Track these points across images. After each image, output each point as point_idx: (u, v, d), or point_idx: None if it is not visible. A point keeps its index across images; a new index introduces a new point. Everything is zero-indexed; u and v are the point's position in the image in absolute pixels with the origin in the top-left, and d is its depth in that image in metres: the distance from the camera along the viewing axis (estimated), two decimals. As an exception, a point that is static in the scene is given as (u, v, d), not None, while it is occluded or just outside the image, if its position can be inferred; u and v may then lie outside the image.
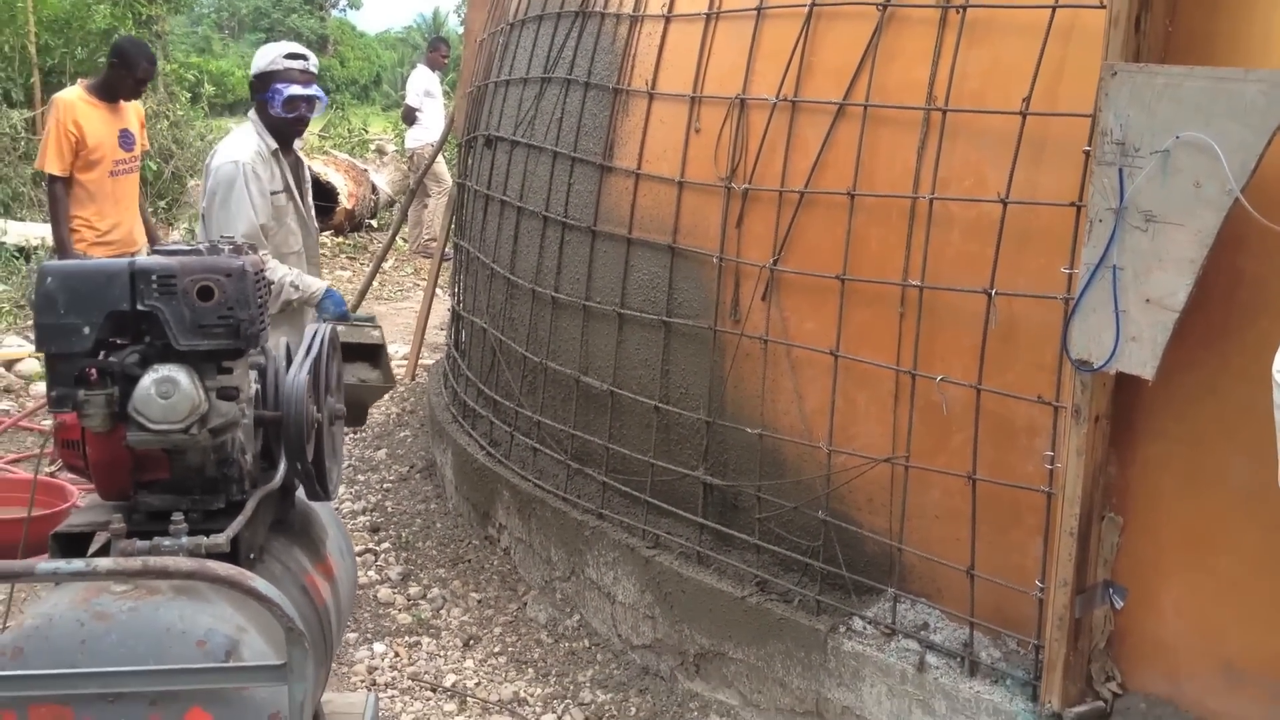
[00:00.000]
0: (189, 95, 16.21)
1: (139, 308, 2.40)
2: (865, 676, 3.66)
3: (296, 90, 4.65)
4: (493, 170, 5.96)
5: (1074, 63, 3.28)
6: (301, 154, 5.05)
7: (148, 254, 2.52)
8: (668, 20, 4.58)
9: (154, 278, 2.40)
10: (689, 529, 4.41)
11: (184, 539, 2.40)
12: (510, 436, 5.48)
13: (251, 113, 4.80)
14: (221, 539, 2.41)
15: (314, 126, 19.85)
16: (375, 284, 10.64)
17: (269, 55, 4.75)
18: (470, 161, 6.70)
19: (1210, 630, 3.14)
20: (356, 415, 4.65)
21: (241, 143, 4.69)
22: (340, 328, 4.03)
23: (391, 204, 15.09)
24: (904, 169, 3.64)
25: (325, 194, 13.61)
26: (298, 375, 2.69)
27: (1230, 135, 2.74)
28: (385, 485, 6.35)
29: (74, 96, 6.66)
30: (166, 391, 2.38)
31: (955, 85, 3.53)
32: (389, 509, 6.02)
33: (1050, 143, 3.32)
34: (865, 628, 3.77)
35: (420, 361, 8.35)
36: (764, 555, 4.11)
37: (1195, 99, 2.80)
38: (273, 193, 4.67)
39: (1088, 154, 3.13)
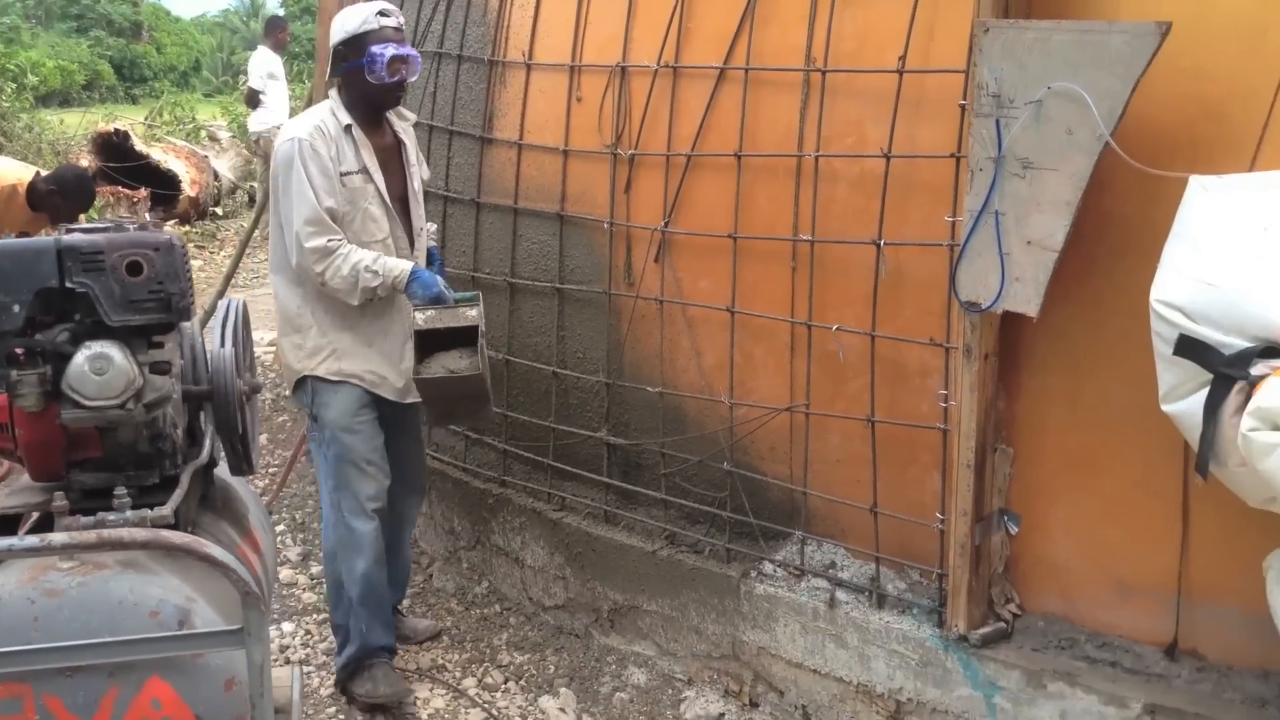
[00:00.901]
0: (14, 86, 15.61)
1: (67, 285, 2.40)
2: (778, 617, 3.83)
3: (395, 50, 3.96)
4: (364, 149, 5.93)
5: (944, 22, 3.45)
6: (408, 126, 4.32)
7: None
8: (541, -8, 4.64)
9: (81, 254, 2.40)
10: (595, 490, 4.51)
11: (128, 513, 2.41)
12: (402, 413, 5.50)
13: (332, 90, 4.11)
14: (166, 510, 2.43)
15: (139, 114, 19.34)
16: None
17: (360, 15, 4.00)
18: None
19: (1099, 549, 3.37)
20: (444, 412, 4.13)
21: (304, 119, 4.04)
22: (430, 312, 3.80)
23: (234, 190, 14.79)
24: (788, 129, 3.78)
25: (167, 182, 13.32)
26: (224, 348, 2.71)
27: (1098, 84, 2.93)
28: (272, 469, 6.30)
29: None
30: (100, 368, 2.38)
31: (833, 47, 3.68)
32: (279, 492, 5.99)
33: (927, 98, 3.50)
34: (775, 571, 3.93)
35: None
36: (671, 510, 4.24)
37: (1064, 51, 2.99)
38: (344, 173, 3.94)
39: (964, 108, 3.32)
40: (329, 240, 3.85)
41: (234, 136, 16.42)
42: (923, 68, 3.47)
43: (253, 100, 12.68)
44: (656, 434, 4.25)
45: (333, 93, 4.08)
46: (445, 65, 5.12)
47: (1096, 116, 2.92)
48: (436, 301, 3.84)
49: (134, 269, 2.42)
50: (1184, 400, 2.79)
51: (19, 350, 2.39)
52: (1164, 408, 2.85)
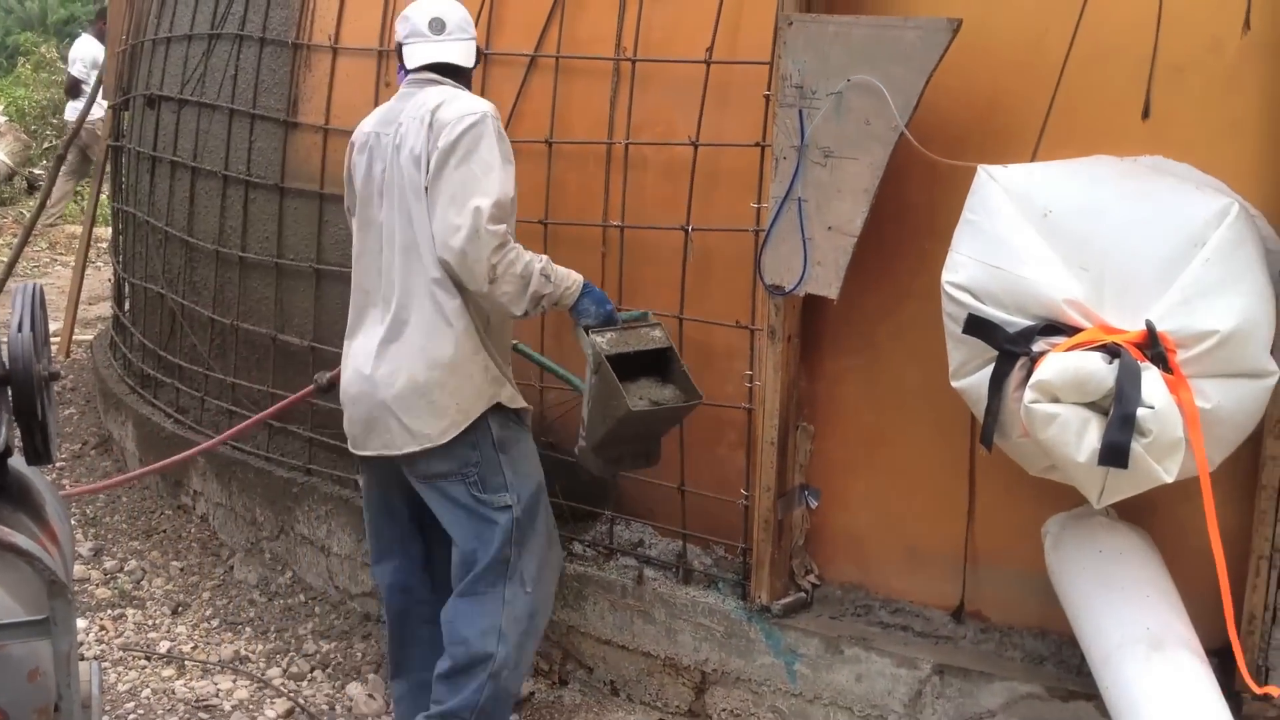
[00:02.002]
0: None
1: None
2: (588, 596, 3.90)
3: None
4: (158, 131, 5.77)
5: (750, 15, 3.58)
6: None
7: None
8: (349, -24, 4.61)
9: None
10: (400, 477, 4.49)
11: None
12: (201, 402, 5.37)
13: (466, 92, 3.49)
14: None
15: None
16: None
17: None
18: (128, 123, 6.43)
19: (893, 520, 3.56)
20: (621, 455, 3.50)
21: (477, 99, 3.43)
22: (610, 335, 3.36)
23: (11, 176, 14.06)
24: (598, 117, 3.86)
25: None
26: (22, 331, 2.62)
27: (894, 76, 3.10)
28: (59, 465, 6.05)
29: None
30: (-104, 351, 2.29)
31: (643, 37, 3.77)
32: (68, 488, 5.76)
33: (733, 89, 3.62)
34: (585, 551, 4.01)
35: (75, 337, 7.93)
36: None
37: (862, 44, 3.15)
38: None
39: (768, 98, 3.45)
40: (506, 231, 3.24)
41: (10, 120, 15.59)
42: (729, 59, 3.59)
43: (74, 90, 12.12)
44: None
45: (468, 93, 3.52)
46: (247, 48, 5.03)
47: (892, 108, 3.08)
48: (609, 321, 3.41)
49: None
50: (971, 376, 2.99)
51: None
52: (953, 384, 3.04)
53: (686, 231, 3.67)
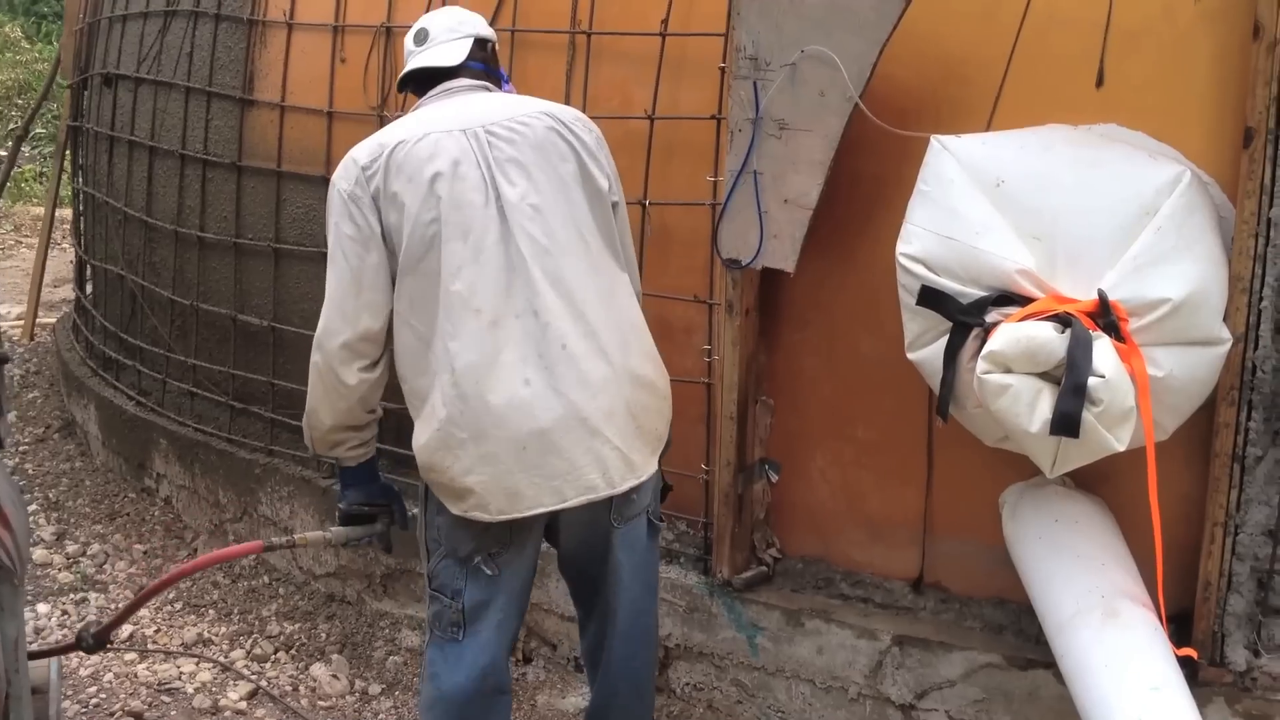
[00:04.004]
0: None
1: None
2: (550, 574, 3.87)
3: None
4: (115, 110, 5.71)
5: (705, -13, 3.56)
6: None
7: None
8: (303, -50, 4.55)
9: None
10: (363, 456, 4.47)
11: None
12: (163, 384, 5.33)
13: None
14: None
15: None
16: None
17: None
18: (86, 103, 6.36)
19: (852, 492, 3.56)
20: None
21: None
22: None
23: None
24: (553, 90, 3.82)
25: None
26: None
27: (848, 47, 3.08)
28: (21, 448, 6.00)
29: None
30: None
31: (598, 10, 3.74)
32: (30, 471, 5.72)
33: (688, 61, 3.60)
34: (546, 527, 3.99)
35: (39, 320, 7.86)
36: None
37: (816, 14, 3.12)
38: None
39: (724, 70, 3.43)
40: None
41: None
42: (684, 31, 3.57)
43: None
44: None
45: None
46: (202, 25, 4.98)
47: (846, 79, 3.07)
48: None
49: None
50: (927, 348, 2.98)
51: None
52: (909, 355, 3.04)
53: (644, 206, 3.64)
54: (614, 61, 3.75)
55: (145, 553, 4.95)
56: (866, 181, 3.35)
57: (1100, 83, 3.06)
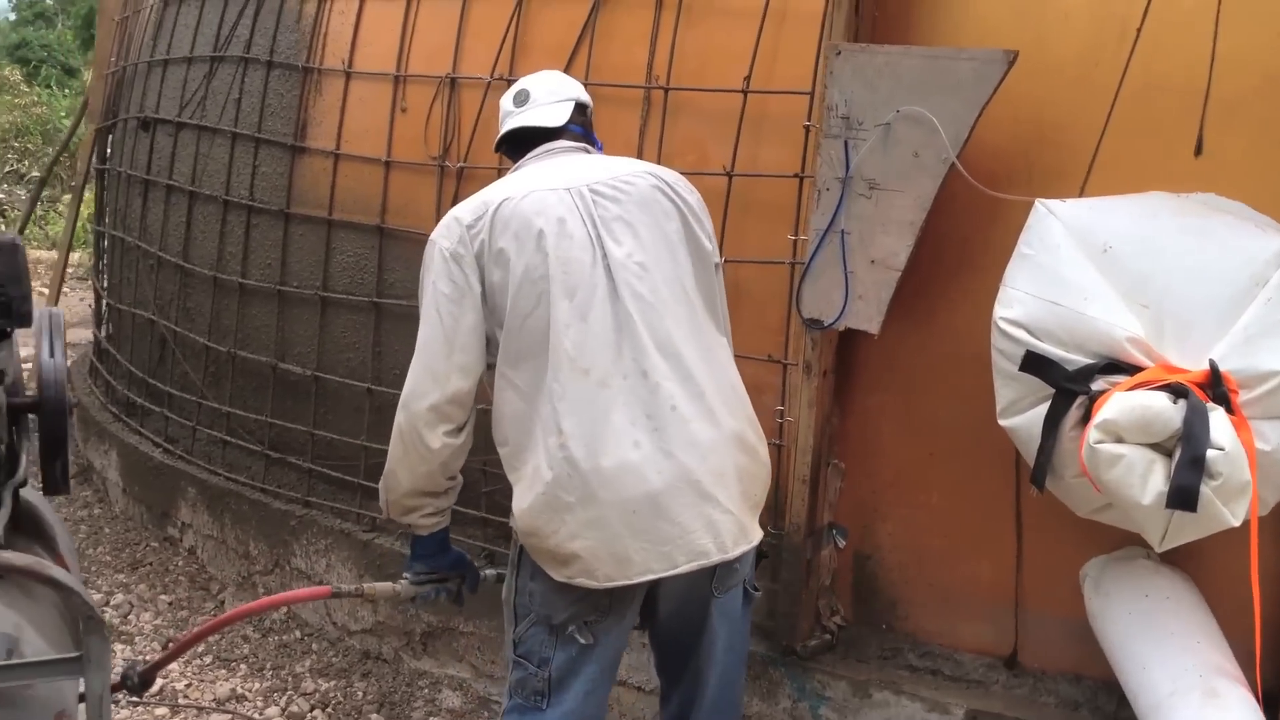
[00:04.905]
0: None
1: (-105, 288, 2.16)
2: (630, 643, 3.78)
3: None
4: (153, 154, 5.65)
5: (788, 45, 3.54)
6: None
7: None
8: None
9: (-89, 258, 2.17)
10: (405, 510, 4.37)
11: None
12: (192, 431, 5.23)
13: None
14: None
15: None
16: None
17: None
18: (118, 146, 6.30)
19: (923, 561, 3.48)
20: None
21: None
22: None
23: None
24: (626, 143, 3.78)
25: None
26: (55, 357, 2.50)
27: (945, 109, 3.06)
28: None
29: None
30: (-66, 380, 2.17)
31: (675, 65, 3.71)
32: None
33: (769, 119, 3.57)
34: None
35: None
36: (490, 528, 4.14)
37: (913, 75, 3.10)
38: None
39: (809, 129, 3.40)
40: None
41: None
42: (766, 88, 3.54)
43: None
44: (475, 453, 4.15)
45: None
46: (253, 71, 4.93)
47: (945, 140, 3.03)
48: None
49: (-30, 272, 2.21)
50: (1022, 415, 2.92)
51: None
52: (1001, 422, 2.97)
53: (717, 263, 3.58)
54: (690, 117, 3.71)
55: (170, 604, 4.82)
56: (951, 243, 3.31)
57: (1199, 151, 3.04)
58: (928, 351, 3.40)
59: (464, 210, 2.77)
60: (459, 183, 4.14)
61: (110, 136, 6.55)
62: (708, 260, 2.88)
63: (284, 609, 4.65)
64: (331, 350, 4.57)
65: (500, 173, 4.01)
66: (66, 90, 20.92)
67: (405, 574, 3.05)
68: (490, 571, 3.18)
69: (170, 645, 3.40)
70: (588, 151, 2.98)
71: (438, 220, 4.12)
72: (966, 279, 3.26)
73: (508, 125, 3.00)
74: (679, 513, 2.61)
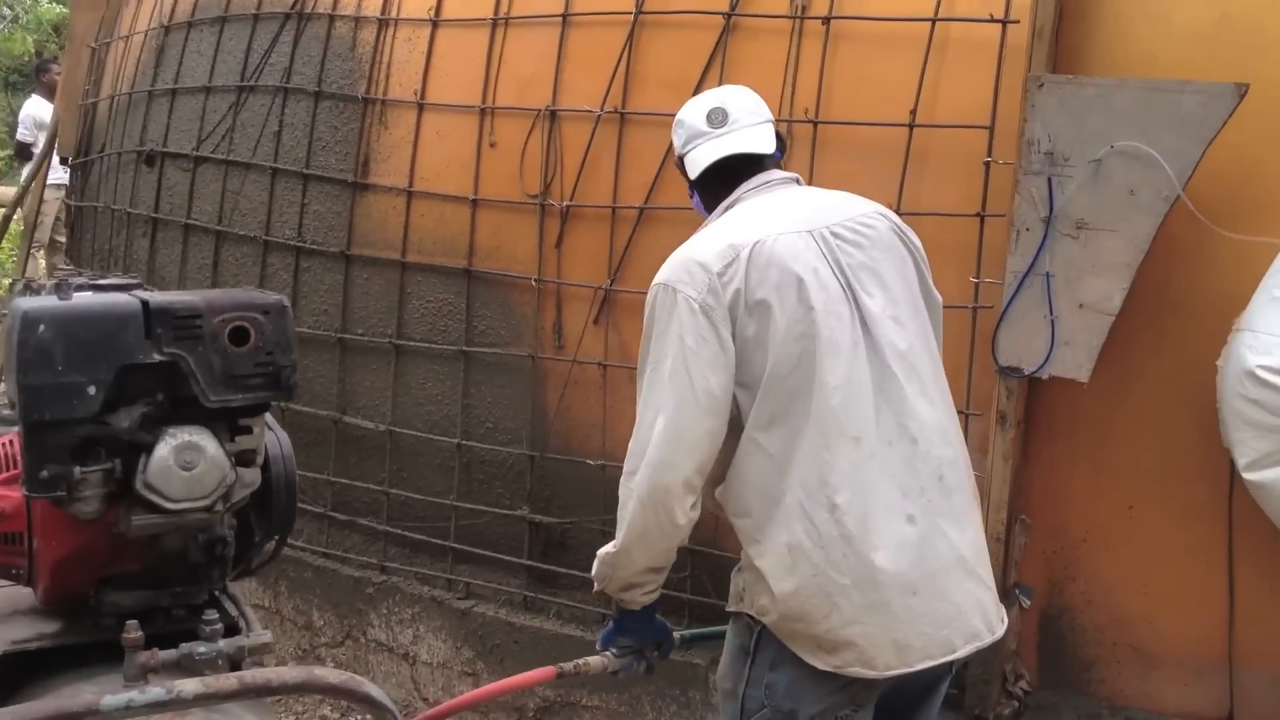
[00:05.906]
0: None
1: (157, 357, 1.84)
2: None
3: None
4: (161, 190, 5.23)
5: (951, 76, 3.33)
6: None
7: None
8: (435, 25, 4.19)
9: (175, 318, 1.85)
10: (499, 573, 4.06)
11: (221, 643, 1.90)
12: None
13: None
14: (267, 636, 1.96)
15: None
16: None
17: None
18: (103, 182, 5.84)
19: (1120, 620, 3.28)
20: None
21: None
22: None
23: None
24: (766, 182, 3.53)
25: None
26: (279, 432, 2.19)
27: (1166, 143, 2.87)
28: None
29: None
30: (190, 461, 1.87)
31: (825, 98, 3.48)
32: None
33: (933, 154, 3.35)
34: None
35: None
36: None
37: (1130, 109, 2.91)
38: None
39: (989, 164, 3.19)
40: None
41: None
42: (931, 122, 3.32)
43: (23, 153, 10.98)
44: (587, 510, 3.87)
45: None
46: (295, 101, 4.57)
47: (1171, 177, 2.85)
48: None
49: (239, 337, 1.89)
50: (1275, 469, 2.75)
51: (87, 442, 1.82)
52: (1247, 476, 2.81)
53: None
54: (838, 152, 3.48)
55: (225, 683, 4.42)
56: (1148, 285, 3.12)
57: None
58: (1124, 397, 3.20)
59: (707, 253, 2.45)
60: (563, 223, 3.85)
61: (84, 172, 6.09)
62: (938, 310, 2.67)
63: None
64: (407, 403, 4.23)
65: (616, 214, 3.76)
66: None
67: (610, 648, 2.77)
68: (679, 633, 2.92)
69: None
70: (799, 182, 2.71)
71: (539, 263, 3.89)
72: (1172, 324, 3.08)
73: (710, 151, 2.62)
74: (952, 592, 2.40)
